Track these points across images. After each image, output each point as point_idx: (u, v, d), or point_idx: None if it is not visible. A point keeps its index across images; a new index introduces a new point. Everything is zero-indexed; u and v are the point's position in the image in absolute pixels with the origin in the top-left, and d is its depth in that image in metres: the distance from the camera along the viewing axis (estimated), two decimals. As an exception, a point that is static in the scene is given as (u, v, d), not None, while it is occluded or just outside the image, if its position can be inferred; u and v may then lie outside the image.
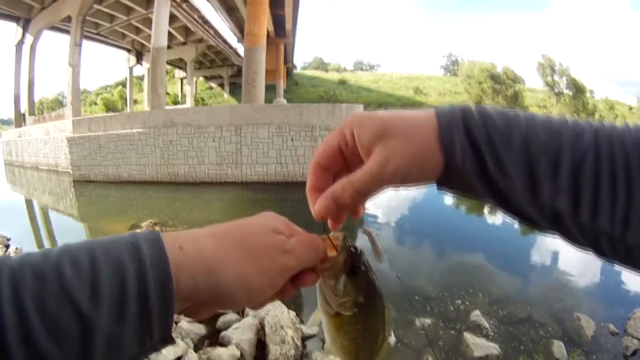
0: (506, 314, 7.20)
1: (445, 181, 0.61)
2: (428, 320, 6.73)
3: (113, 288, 0.44)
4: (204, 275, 0.51)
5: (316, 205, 0.64)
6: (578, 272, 9.36)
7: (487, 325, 6.65)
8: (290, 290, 0.63)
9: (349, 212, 0.66)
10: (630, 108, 61.86)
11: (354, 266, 0.66)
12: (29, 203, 19.28)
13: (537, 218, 0.57)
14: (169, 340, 0.51)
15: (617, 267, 0.57)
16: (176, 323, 5.83)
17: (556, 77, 56.83)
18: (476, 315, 6.88)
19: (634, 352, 6.21)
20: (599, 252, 0.56)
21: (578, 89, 54.94)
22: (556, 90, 56.65)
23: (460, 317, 7.01)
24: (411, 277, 8.86)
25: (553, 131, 0.55)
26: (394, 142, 0.58)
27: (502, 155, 0.55)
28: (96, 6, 32.17)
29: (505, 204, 0.59)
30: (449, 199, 20.08)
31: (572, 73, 56.62)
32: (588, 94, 58.42)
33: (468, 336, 6.23)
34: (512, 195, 0.57)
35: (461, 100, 65.55)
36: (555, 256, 10.70)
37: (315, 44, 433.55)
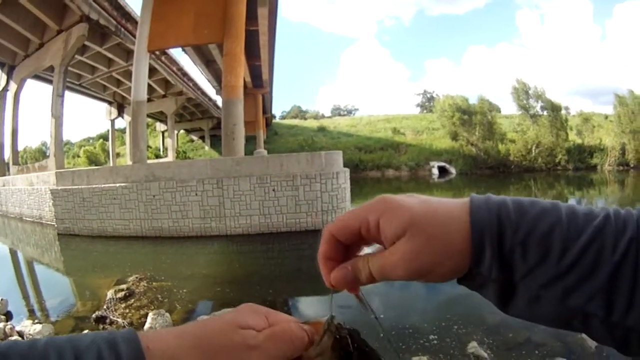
0: (505, 340, 7.28)
1: (464, 282, 0.61)
2: (424, 358, 6.72)
3: None
4: None
5: (333, 275, 0.63)
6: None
7: (486, 355, 6.69)
8: None
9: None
10: (606, 117, 62.64)
11: (345, 351, 0.61)
12: (13, 254, 19.28)
13: (555, 321, 0.57)
14: None
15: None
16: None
17: (531, 101, 57.60)
18: (473, 346, 6.90)
19: None
20: (623, 349, 0.55)
21: (554, 109, 55.70)
22: (531, 112, 57.36)
23: (457, 349, 7.06)
24: (403, 313, 8.95)
25: (596, 230, 0.54)
26: (420, 240, 0.56)
27: (535, 268, 0.54)
28: (78, 57, 32.51)
29: (519, 310, 0.59)
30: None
31: (546, 94, 57.50)
32: (563, 111, 59.20)
33: None
34: (533, 303, 0.56)
35: (438, 136, 66.22)
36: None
37: (293, 92, 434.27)
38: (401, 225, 0.57)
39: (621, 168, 50.16)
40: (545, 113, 56.54)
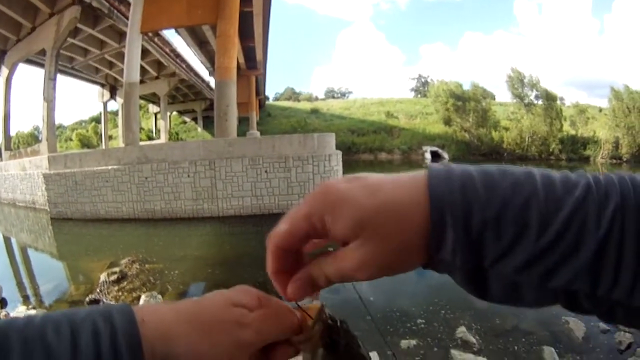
0: (493, 326, 7.34)
1: (429, 266, 0.54)
2: (413, 342, 6.80)
3: (90, 352, 0.47)
4: (160, 347, 0.52)
5: (289, 290, 0.59)
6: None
7: (474, 340, 6.77)
8: None
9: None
10: (601, 110, 62.61)
11: (332, 339, 0.61)
12: (6, 240, 19.27)
13: (536, 303, 0.53)
14: None
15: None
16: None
17: (526, 89, 57.62)
18: (462, 331, 7.01)
19: (629, 346, 6.41)
20: (606, 318, 0.52)
21: (549, 98, 55.74)
22: (526, 101, 57.43)
23: (446, 334, 7.12)
24: (393, 298, 8.97)
25: (577, 203, 0.48)
26: (375, 242, 0.51)
27: (511, 248, 0.48)
28: (70, 40, 32.13)
29: (494, 295, 0.53)
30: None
31: (542, 84, 57.47)
32: (558, 102, 59.32)
33: (455, 353, 6.35)
34: (506, 289, 0.52)
35: (432, 121, 66.34)
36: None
37: (287, 74, 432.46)
38: (351, 227, 0.52)
39: (614, 161, 50.06)
40: (540, 102, 56.61)
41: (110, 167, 19.48)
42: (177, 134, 71.68)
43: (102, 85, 53.30)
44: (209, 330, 0.56)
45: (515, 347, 6.63)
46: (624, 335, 6.59)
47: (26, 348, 0.45)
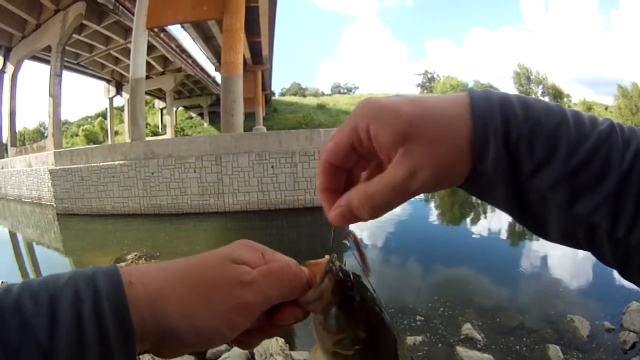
0: (498, 323, 7.31)
1: (469, 185, 0.55)
2: (418, 338, 6.76)
3: (70, 320, 0.45)
4: (149, 310, 0.49)
5: (330, 214, 0.56)
6: (568, 274, 9.53)
7: (479, 337, 6.73)
8: (271, 329, 0.59)
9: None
10: (606, 108, 62.49)
11: (346, 295, 0.56)
12: (13, 236, 19.26)
13: (563, 233, 0.53)
14: None
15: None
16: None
17: (532, 86, 57.51)
18: (467, 328, 6.96)
19: (633, 345, 6.36)
20: (624, 269, 0.52)
21: (556, 94, 55.61)
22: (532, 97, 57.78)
23: (452, 331, 7.07)
24: (399, 294, 8.93)
25: (603, 136, 0.50)
26: (421, 150, 0.50)
27: (542, 166, 0.50)
28: (76, 36, 32.29)
29: (527, 215, 0.54)
30: (432, 212, 20.02)
31: (548, 80, 57.37)
32: (565, 99, 59.25)
33: (461, 349, 6.31)
34: (540, 207, 0.52)
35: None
36: (543, 261, 10.87)
37: (293, 69, 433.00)
38: (397, 132, 0.50)
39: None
40: (546, 99, 56.83)
41: (116, 163, 19.45)
42: (182, 129, 71.87)
43: (108, 81, 53.50)
44: (204, 291, 0.53)
45: (520, 345, 6.62)
46: (629, 335, 6.54)
47: (1, 319, 0.43)
